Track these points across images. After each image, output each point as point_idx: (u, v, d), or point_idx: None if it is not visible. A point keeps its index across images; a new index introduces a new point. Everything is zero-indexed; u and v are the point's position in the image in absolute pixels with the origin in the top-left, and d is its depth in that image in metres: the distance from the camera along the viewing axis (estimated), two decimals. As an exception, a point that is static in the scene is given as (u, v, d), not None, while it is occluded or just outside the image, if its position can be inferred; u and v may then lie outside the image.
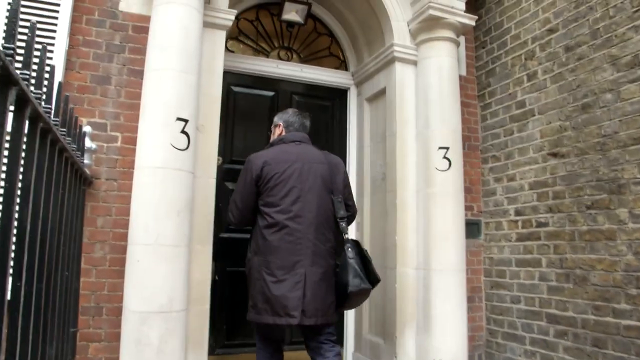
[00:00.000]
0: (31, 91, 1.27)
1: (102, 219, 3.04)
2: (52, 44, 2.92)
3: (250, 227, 2.82)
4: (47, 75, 1.55)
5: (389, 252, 3.77)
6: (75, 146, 2.14)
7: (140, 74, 3.09)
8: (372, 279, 2.71)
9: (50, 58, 2.85)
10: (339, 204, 2.78)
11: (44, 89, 1.49)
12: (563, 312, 3.43)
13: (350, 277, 2.62)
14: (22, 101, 1.22)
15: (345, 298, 2.67)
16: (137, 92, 3.10)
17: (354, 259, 2.67)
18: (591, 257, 3.26)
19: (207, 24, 3.22)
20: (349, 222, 2.90)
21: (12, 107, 1.20)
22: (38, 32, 2.80)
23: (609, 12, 3.25)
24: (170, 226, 2.71)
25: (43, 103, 1.46)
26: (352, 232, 4.28)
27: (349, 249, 2.69)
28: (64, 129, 1.86)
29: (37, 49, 1.41)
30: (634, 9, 3.09)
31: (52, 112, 1.59)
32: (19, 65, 1.15)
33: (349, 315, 4.24)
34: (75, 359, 2.76)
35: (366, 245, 4.10)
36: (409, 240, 3.71)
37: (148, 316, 2.62)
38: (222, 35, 3.34)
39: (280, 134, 2.98)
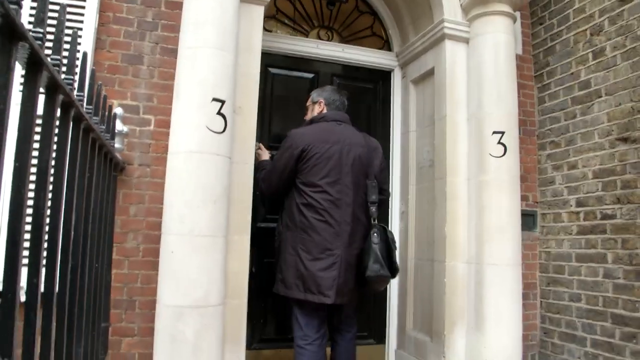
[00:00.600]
0: (47, 55, 1.07)
1: (134, 207, 2.87)
2: (81, 21, 2.74)
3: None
4: (68, 46, 1.35)
5: (437, 244, 3.51)
6: (103, 127, 1.95)
7: (174, 52, 2.90)
8: (394, 267, 2.72)
9: (80, 36, 2.67)
10: (372, 188, 2.80)
11: (64, 58, 1.30)
12: (632, 313, 3.11)
13: (370, 261, 2.62)
14: (36, 65, 1.02)
15: (363, 282, 2.70)
16: (171, 72, 2.91)
17: (378, 244, 2.67)
18: (667, 253, 2.93)
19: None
20: (380, 207, 2.91)
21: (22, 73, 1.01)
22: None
23: (694, -23, 2.89)
24: (206, 215, 2.52)
25: (64, 73, 1.27)
26: (395, 222, 4.05)
27: (375, 234, 2.69)
28: (90, 106, 1.66)
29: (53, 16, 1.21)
30: None
31: (75, 84, 1.38)
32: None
33: (392, 310, 4.01)
34: (107, 355, 2.61)
35: (411, 237, 3.86)
36: (459, 231, 3.43)
37: (183, 311, 2.44)
38: (260, 10, 3.11)
39: (322, 111, 2.97)
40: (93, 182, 1.80)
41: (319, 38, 4.12)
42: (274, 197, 2.90)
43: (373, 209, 2.78)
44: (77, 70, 1.44)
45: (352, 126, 2.94)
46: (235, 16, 2.82)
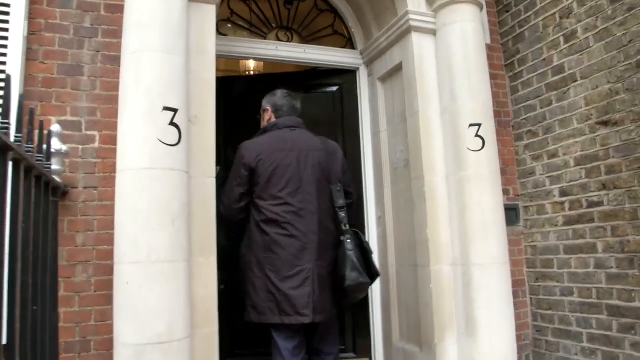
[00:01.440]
0: None
1: (82, 235, 2.57)
2: (6, 29, 2.44)
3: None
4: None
5: (419, 248, 3.29)
6: (31, 146, 1.67)
7: (118, 60, 2.62)
8: (372, 272, 2.60)
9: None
10: (337, 193, 2.66)
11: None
12: (628, 303, 2.95)
13: (347, 270, 2.47)
14: None
15: (343, 293, 2.55)
16: (115, 82, 2.62)
17: (353, 251, 2.52)
18: (661, 238, 2.78)
19: (192, -2, 2.75)
20: (349, 211, 2.76)
21: None
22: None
23: (666, -52, 2.76)
24: (164, 238, 2.23)
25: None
26: (372, 228, 3.83)
27: (348, 240, 2.55)
28: (7, 121, 1.38)
29: None
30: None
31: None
32: None
33: (376, 321, 3.76)
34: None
35: (391, 242, 3.64)
36: (441, 233, 3.22)
37: (144, 349, 2.14)
38: (211, 10, 2.84)
39: (270, 119, 2.80)
40: (20, 211, 1.51)
41: (278, 39, 3.88)
42: (234, 217, 2.70)
43: (342, 214, 2.63)
44: None
45: (307, 131, 2.77)
46: (183, 16, 2.56)
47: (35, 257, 1.72)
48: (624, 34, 2.98)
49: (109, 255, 2.42)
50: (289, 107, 2.79)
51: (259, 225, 2.54)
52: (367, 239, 2.72)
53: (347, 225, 2.62)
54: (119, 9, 2.72)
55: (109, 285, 2.40)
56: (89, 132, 2.66)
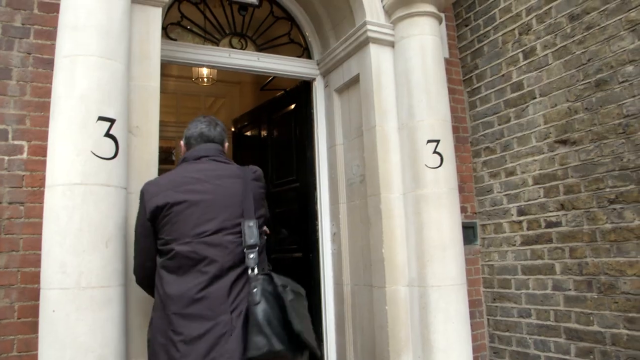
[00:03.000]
0: None
1: (5, 255, 2.31)
2: None
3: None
4: None
5: (375, 267, 3.17)
6: None
7: (51, 64, 2.39)
8: (295, 334, 1.81)
9: None
10: (248, 229, 1.98)
11: None
12: (587, 327, 2.91)
13: (251, 335, 1.78)
14: None
15: None
16: (47, 87, 2.40)
17: (260, 305, 1.82)
18: (619, 261, 2.74)
19: (136, 0, 2.55)
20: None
21: None
22: None
23: (624, -31, 2.75)
24: (97, 261, 2.03)
25: None
26: (327, 245, 3.69)
27: (255, 290, 1.85)
28: None
29: None
30: (656, -37, 2.60)
31: None
32: None
33: (330, 342, 3.64)
34: None
35: (345, 260, 3.50)
36: (398, 252, 3.12)
37: (72, 386, 1.93)
38: (157, 13, 2.66)
39: (184, 153, 2.21)
40: None
41: (232, 47, 3.71)
42: (146, 282, 2.08)
43: (251, 255, 1.94)
44: None
45: (220, 159, 2.15)
46: (125, 18, 2.37)
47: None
48: (582, 52, 2.96)
49: (36, 278, 2.19)
50: (198, 134, 2.20)
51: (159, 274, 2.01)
52: (292, 284, 1.94)
53: (255, 270, 1.93)
54: (55, 7, 2.50)
55: (34, 311, 2.17)
56: (16, 142, 2.42)
